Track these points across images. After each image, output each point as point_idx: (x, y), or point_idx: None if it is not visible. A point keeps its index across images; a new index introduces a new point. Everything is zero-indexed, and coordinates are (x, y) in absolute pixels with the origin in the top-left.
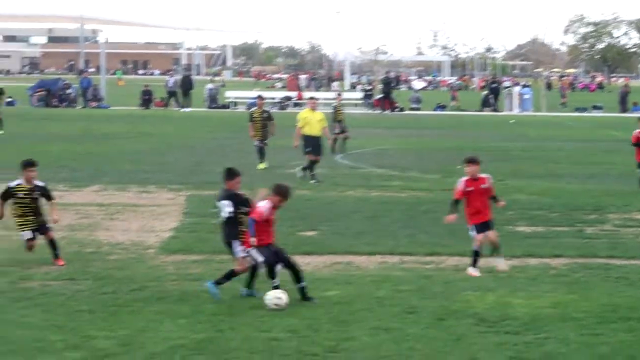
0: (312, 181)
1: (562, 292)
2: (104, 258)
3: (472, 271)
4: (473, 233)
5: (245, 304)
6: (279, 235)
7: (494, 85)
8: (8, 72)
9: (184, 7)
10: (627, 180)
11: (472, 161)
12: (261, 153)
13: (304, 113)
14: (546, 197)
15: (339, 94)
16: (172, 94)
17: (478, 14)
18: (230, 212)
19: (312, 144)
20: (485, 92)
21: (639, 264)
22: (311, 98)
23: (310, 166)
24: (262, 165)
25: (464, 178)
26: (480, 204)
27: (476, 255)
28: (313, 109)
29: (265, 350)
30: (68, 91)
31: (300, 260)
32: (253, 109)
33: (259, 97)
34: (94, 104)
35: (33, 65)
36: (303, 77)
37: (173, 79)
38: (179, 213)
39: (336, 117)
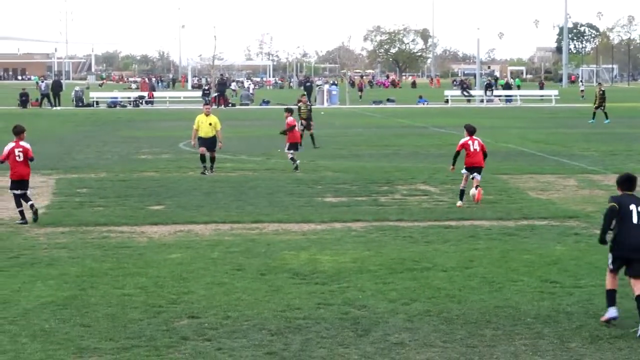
0: (209, 172)
1: (361, 249)
2: None
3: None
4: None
5: (104, 267)
6: (131, 210)
7: (307, 84)
8: None
9: (55, 22)
10: (412, 158)
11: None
12: None
13: (198, 117)
14: (349, 174)
15: (303, 95)
16: (45, 95)
17: (295, 26)
18: None
19: (203, 144)
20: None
21: (422, 225)
22: (205, 104)
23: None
24: None
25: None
26: None
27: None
28: (207, 114)
29: (119, 304)
30: None
31: (148, 230)
32: None
33: None
34: None
35: None
36: (153, 80)
37: (45, 83)
38: (49, 193)
39: (301, 116)
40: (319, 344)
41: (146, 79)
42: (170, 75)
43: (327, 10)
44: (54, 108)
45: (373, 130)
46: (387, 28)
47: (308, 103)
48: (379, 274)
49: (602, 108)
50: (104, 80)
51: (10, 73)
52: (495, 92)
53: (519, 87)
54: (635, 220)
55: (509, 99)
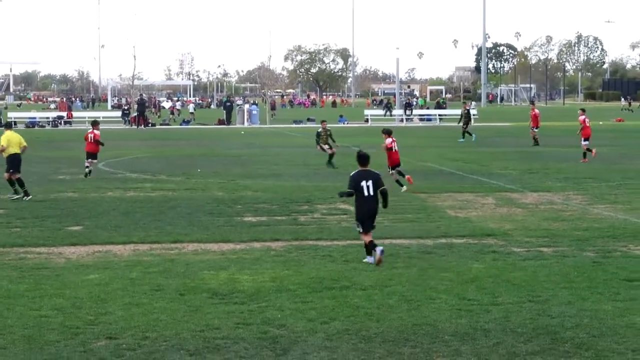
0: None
1: (280, 269)
2: None
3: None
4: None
5: (21, 288)
6: (49, 231)
7: (228, 104)
8: None
9: None
10: (332, 177)
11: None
12: None
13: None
14: (268, 193)
15: (323, 121)
16: None
17: (216, 45)
18: None
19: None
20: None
21: (341, 244)
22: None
23: (18, 184)
24: None
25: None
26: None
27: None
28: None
29: (35, 326)
30: None
31: (66, 250)
32: None
33: None
34: None
35: None
36: (73, 100)
37: None
38: None
39: (321, 140)
40: None
41: (65, 99)
42: (91, 95)
43: (248, 29)
44: None
45: (293, 149)
46: (308, 48)
47: (327, 128)
48: (298, 293)
49: (465, 127)
50: (27, 101)
51: None
52: (416, 112)
53: (421, 107)
54: (365, 193)
55: (432, 118)
